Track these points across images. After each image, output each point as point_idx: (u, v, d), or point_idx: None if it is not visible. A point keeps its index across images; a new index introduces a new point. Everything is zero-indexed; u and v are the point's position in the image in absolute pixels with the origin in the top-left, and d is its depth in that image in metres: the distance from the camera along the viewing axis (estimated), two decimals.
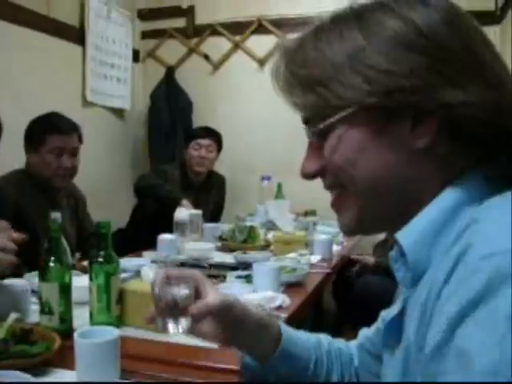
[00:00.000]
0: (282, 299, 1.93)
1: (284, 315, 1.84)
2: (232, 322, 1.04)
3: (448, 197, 0.75)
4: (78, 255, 2.67)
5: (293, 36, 0.84)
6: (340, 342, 1.20)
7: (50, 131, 2.70)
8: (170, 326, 1.05)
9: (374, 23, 0.76)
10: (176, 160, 4.31)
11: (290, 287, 2.19)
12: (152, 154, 4.83)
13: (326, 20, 0.81)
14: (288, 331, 1.13)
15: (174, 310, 1.04)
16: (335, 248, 2.99)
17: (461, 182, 0.76)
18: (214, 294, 1.04)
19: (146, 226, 3.36)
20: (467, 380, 0.55)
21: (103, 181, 4.42)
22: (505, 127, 0.74)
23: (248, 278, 2.16)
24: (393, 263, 0.80)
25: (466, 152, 0.77)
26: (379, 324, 1.11)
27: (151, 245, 2.83)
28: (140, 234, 3.32)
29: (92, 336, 1.30)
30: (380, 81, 0.73)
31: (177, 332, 1.05)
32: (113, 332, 1.31)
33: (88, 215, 3.16)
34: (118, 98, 4.66)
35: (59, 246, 1.56)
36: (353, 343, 1.20)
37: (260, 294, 1.95)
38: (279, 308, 1.90)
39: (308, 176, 0.86)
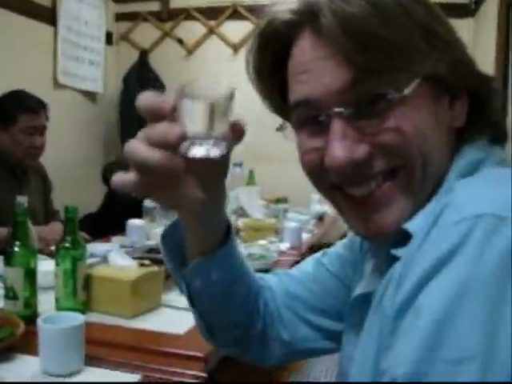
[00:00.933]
0: None
1: None
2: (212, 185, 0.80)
3: (452, 177, 0.71)
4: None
5: None
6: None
7: (20, 110, 2.67)
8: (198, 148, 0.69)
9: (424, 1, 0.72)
10: None
11: (258, 273, 2.19)
12: (123, 138, 4.78)
13: None
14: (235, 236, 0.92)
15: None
16: (305, 236, 3.00)
17: (460, 159, 0.72)
18: None
19: (117, 211, 3.33)
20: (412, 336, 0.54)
21: (74, 164, 4.38)
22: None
23: None
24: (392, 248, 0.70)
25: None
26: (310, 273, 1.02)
27: (123, 230, 2.82)
28: (111, 220, 3.30)
29: (56, 322, 1.29)
30: (446, 51, 0.70)
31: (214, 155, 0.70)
32: (78, 318, 1.30)
33: (51, 199, 3.14)
34: (90, 80, 4.61)
35: (25, 231, 1.55)
36: (269, 278, 1.06)
37: None
38: None
39: (356, 163, 0.69)
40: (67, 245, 1.59)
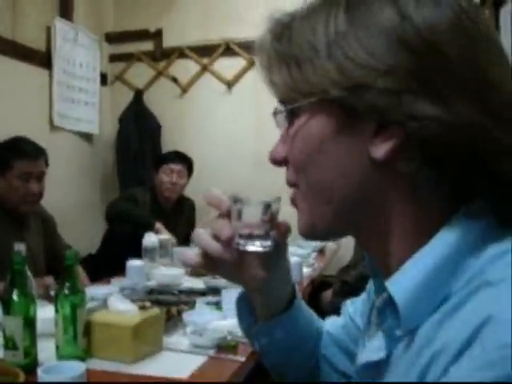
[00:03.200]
0: None
1: None
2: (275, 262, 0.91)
3: (443, 242, 0.66)
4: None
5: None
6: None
7: (17, 156, 2.68)
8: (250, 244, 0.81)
9: (364, 8, 0.66)
10: (145, 184, 4.28)
11: None
12: (121, 178, 4.79)
13: None
14: (300, 300, 1.00)
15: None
16: (305, 270, 2.99)
17: (452, 222, 0.66)
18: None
19: (118, 251, 3.32)
20: None
21: (72, 205, 4.37)
22: (491, 166, 0.65)
23: (218, 305, 2.14)
24: (379, 311, 0.72)
25: (450, 183, 0.67)
26: (346, 320, 1.04)
27: (123, 271, 2.81)
28: (112, 260, 3.29)
29: (57, 371, 1.28)
30: (352, 73, 0.63)
31: (261, 250, 0.81)
32: (79, 367, 1.28)
33: (58, 236, 3.13)
34: (86, 122, 4.62)
35: (23, 279, 1.54)
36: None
37: (230, 321, 1.93)
38: None
39: (275, 162, 0.76)
40: (66, 291, 1.58)
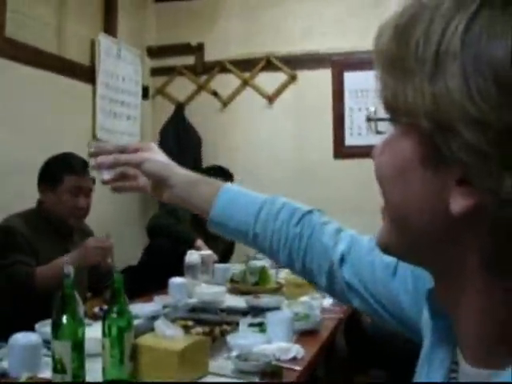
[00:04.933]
0: (297, 350, 1.90)
1: (298, 368, 1.81)
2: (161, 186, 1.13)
3: None
4: (89, 295, 2.67)
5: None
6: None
7: (67, 171, 2.72)
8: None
9: (485, 33, 0.52)
10: None
11: (303, 335, 2.16)
12: None
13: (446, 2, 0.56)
14: (235, 190, 1.12)
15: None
16: None
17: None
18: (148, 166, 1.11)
19: (158, 265, 3.34)
20: None
21: (112, 218, 4.41)
22: None
23: (261, 327, 2.13)
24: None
25: None
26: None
27: (163, 285, 2.83)
28: (152, 273, 3.31)
29: None
30: (445, 109, 0.53)
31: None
32: None
33: None
34: (128, 135, 4.67)
35: (72, 302, 1.55)
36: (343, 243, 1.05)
37: (274, 345, 1.91)
38: (293, 359, 1.86)
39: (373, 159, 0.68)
40: (114, 315, 1.59)
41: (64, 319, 1.51)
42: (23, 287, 2.44)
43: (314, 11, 4.68)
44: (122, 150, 1.16)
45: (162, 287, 2.90)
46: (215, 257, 3.25)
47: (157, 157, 1.15)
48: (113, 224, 4.40)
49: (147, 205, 4.90)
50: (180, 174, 1.12)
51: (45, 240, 2.72)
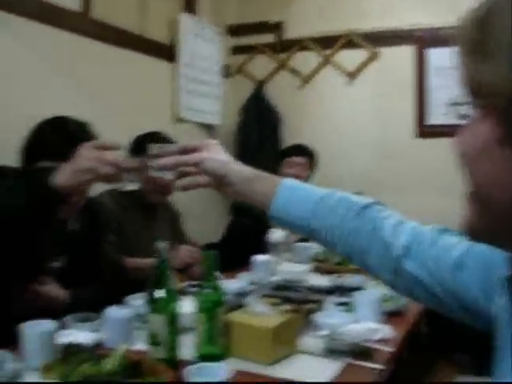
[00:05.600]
0: (386, 331, 1.88)
1: (389, 349, 1.79)
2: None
3: None
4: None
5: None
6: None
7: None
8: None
9: None
10: None
11: (389, 317, 2.13)
12: None
13: None
14: (291, 185, 1.14)
15: None
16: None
17: None
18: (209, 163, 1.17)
19: (240, 242, 3.37)
20: None
21: (191, 195, 4.46)
22: None
23: (348, 307, 2.12)
24: None
25: None
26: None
27: (244, 262, 2.86)
28: (233, 251, 3.35)
29: (203, 374, 1.30)
30: None
31: None
32: (222, 371, 1.30)
33: (183, 231, 3.22)
34: (209, 113, 4.71)
35: (167, 277, 1.58)
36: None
37: (362, 324, 1.90)
38: (383, 340, 1.85)
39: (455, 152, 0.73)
40: (207, 291, 1.61)
41: (159, 293, 1.55)
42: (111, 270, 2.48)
43: None
44: (182, 151, 1.20)
45: (242, 264, 2.93)
46: (296, 236, 3.24)
47: (215, 155, 1.20)
48: (195, 202, 4.47)
49: None
50: (236, 171, 1.16)
51: (130, 216, 2.82)
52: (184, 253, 2.69)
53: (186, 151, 1.20)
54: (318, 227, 1.09)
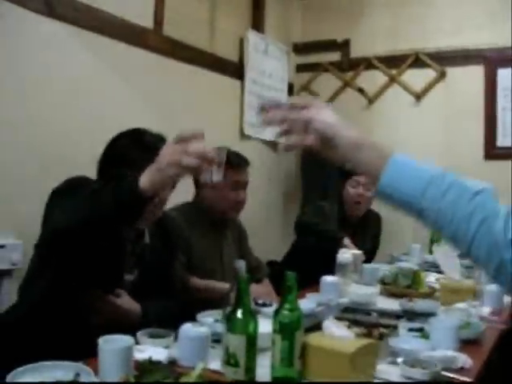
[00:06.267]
0: (465, 360, 1.82)
1: (469, 379, 1.73)
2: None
3: None
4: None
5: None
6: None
7: (229, 166, 2.75)
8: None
9: None
10: (330, 194, 4.28)
11: (466, 345, 2.06)
12: (304, 187, 4.83)
13: None
14: (401, 160, 1.13)
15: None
16: (506, 299, 2.81)
17: None
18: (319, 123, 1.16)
19: (304, 263, 3.34)
20: None
21: (255, 211, 4.47)
22: None
23: (423, 333, 2.06)
24: None
25: None
26: None
27: (308, 282, 2.83)
28: (297, 270, 3.31)
29: None
30: None
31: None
32: None
33: (250, 248, 3.22)
34: (273, 131, 4.70)
35: (245, 297, 1.56)
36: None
37: (439, 352, 1.85)
38: (461, 370, 1.79)
39: None
40: (285, 312, 1.59)
41: (239, 313, 1.54)
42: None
43: (465, 4, 4.50)
44: (292, 107, 1.19)
45: (306, 284, 2.90)
46: (363, 256, 3.20)
47: (325, 116, 1.17)
48: (257, 220, 4.47)
49: (290, 200, 4.93)
50: (344, 135, 1.16)
51: (199, 233, 2.80)
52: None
53: (295, 108, 1.19)
54: (428, 208, 1.07)
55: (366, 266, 3.13)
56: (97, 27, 3.05)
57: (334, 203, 3.89)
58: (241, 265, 1.58)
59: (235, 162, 2.78)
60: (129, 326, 1.92)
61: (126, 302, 2.02)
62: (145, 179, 1.50)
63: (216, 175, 1.55)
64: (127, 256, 2.09)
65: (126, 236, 2.04)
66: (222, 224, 2.92)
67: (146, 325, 1.93)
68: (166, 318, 2.06)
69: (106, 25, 3.11)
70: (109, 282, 1.99)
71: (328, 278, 2.68)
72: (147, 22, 3.46)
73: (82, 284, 1.89)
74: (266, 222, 4.68)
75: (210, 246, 2.82)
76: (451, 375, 1.72)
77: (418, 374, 1.66)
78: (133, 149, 2.00)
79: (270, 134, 4.65)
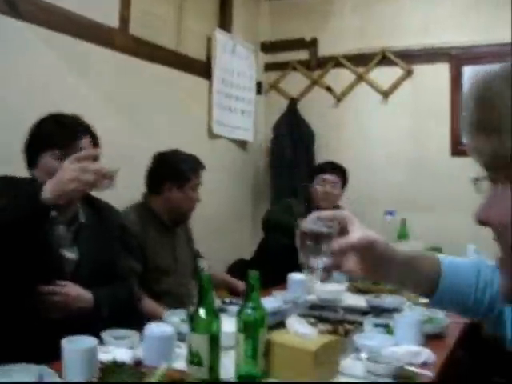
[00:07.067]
0: (428, 355, 1.85)
1: (430, 373, 1.75)
2: (375, 258, 1.06)
3: None
4: None
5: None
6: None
7: (194, 171, 2.90)
8: (312, 260, 1.11)
9: None
10: (298, 192, 4.30)
11: (430, 340, 2.09)
12: (273, 186, 4.84)
13: None
14: (449, 261, 1.12)
15: (317, 245, 1.10)
16: None
17: None
18: (357, 231, 1.05)
19: (272, 260, 3.35)
20: None
21: (224, 210, 4.48)
22: None
23: (388, 328, 2.09)
24: None
25: None
26: None
27: (276, 280, 2.85)
28: (265, 268, 3.32)
29: None
30: None
31: (317, 267, 1.11)
32: None
33: (196, 249, 3.27)
34: (242, 129, 4.72)
35: (208, 296, 1.57)
36: None
37: (403, 347, 1.87)
38: (424, 364, 1.81)
39: (478, 222, 0.78)
40: (248, 310, 1.60)
41: (201, 313, 1.54)
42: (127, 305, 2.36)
43: (432, 3, 4.54)
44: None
45: (275, 282, 2.91)
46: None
47: (372, 235, 1.06)
48: (226, 219, 4.47)
49: (259, 199, 4.94)
50: (398, 253, 1.08)
51: (152, 234, 2.84)
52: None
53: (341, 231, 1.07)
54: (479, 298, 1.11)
55: None
56: (60, 26, 3.01)
57: (302, 201, 3.90)
58: (202, 265, 1.58)
59: (202, 167, 2.95)
60: (84, 314, 1.95)
61: (72, 289, 1.99)
62: (47, 190, 1.68)
63: (108, 186, 1.76)
64: (62, 239, 2.08)
65: (58, 220, 2.06)
66: (174, 224, 2.97)
67: (99, 311, 1.99)
68: (116, 305, 2.11)
69: (70, 24, 3.08)
70: (48, 272, 1.97)
71: (295, 276, 2.70)
72: (113, 21, 3.43)
73: (19, 283, 1.87)
74: (235, 220, 4.68)
75: (164, 243, 2.86)
76: (414, 370, 1.74)
77: (381, 369, 1.68)
78: (52, 130, 2.10)
79: (238, 132, 4.66)
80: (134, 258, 2.65)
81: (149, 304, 2.62)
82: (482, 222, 0.77)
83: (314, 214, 1.13)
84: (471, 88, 0.74)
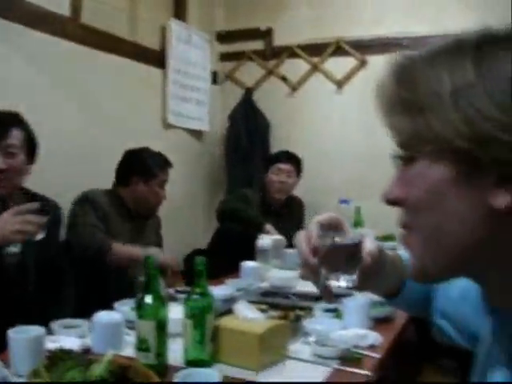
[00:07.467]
0: (375, 337, 1.89)
1: (377, 355, 1.79)
2: (377, 269, 0.98)
3: None
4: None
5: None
6: None
7: (161, 168, 3.00)
8: (339, 277, 0.92)
9: (493, 59, 0.66)
10: (254, 182, 4.32)
11: (378, 323, 2.14)
12: (229, 176, 4.85)
13: (442, 44, 0.72)
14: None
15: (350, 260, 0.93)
16: None
17: None
18: (369, 242, 0.96)
19: (228, 249, 3.37)
20: None
21: (180, 201, 4.46)
22: None
23: (337, 313, 2.12)
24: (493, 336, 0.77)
25: None
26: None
27: (232, 268, 2.86)
28: (221, 258, 3.35)
29: (192, 380, 1.29)
30: (479, 126, 0.64)
31: (345, 286, 0.93)
32: (213, 376, 1.30)
33: (162, 236, 3.33)
34: (197, 119, 4.71)
35: (155, 283, 1.57)
36: None
37: (351, 331, 1.91)
38: (371, 347, 1.85)
39: (387, 201, 0.77)
40: (196, 297, 1.61)
41: (148, 299, 1.54)
42: (98, 251, 2.63)
43: None
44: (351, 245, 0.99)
45: (231, 271, 2.93)
46: (286, 241, 3.24)
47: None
48: (182, 209, 4.46)
49: (215, 189, 4.94)
50: (388, 261, 1.03)
51: (115, 217, 2.89)
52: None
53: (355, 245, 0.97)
54: None
55: (288, 250, 3.17)
56: (10, 15, 2.96)
57: (257, 190, 3.93)
58: (152, 251, 1.58)
59: (166, 165, 3.05)
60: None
61: None
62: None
63: (41, 234, 1.88)
64: None
65: None
66: (143, 218, 3.05)
67: None
68: None
69: (20, 12, 3.03)
70: None
71: (248, 264, 2.72)
72: (64, 9, 3.39)
73: None
74: (190, 210, 4.68)
75: (125, 228, 2.92)
76: (361, 352, 1.77)
77: (327, 351, 1.71)
78: None
79: (194, 122, 4.65)
80: (97, 218, 2.75)
81: (119, 247, 2.70)
82: (391, 202, 0.76)
83: (314, 221, 0.99)
84: (393, 69, 0.75)
